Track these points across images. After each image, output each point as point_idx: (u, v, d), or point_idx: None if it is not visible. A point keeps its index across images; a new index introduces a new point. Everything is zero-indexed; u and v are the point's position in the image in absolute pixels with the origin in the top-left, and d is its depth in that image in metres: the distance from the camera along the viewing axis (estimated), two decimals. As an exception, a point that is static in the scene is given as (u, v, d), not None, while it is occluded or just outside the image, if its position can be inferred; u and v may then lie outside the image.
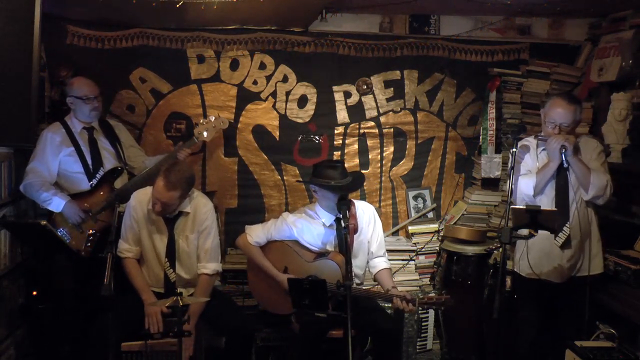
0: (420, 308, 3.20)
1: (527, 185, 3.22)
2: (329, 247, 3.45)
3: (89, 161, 3.56)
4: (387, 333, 3.26)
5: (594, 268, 3.22)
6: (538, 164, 3.29)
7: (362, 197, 4.40)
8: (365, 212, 3.52)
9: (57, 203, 3.40)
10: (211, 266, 3.34)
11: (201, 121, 3.88)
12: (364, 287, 3.50)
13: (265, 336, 3.86)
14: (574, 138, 3.16)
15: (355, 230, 3.41)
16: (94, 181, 3.55)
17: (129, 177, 3.73)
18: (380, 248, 3.53)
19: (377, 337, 3.35)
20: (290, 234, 3.47)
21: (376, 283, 3.60)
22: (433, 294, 3.24)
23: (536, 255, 3.26)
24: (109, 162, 3.63)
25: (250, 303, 3.99)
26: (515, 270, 3.43)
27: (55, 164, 3.51)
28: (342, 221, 3.25)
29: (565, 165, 3.10)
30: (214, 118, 3.86)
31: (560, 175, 3.20)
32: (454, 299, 3.12)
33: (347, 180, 3.37)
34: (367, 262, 3.53)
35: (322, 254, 3.43)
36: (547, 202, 3.25)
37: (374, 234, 3.51)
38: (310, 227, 3.46)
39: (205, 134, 3.82)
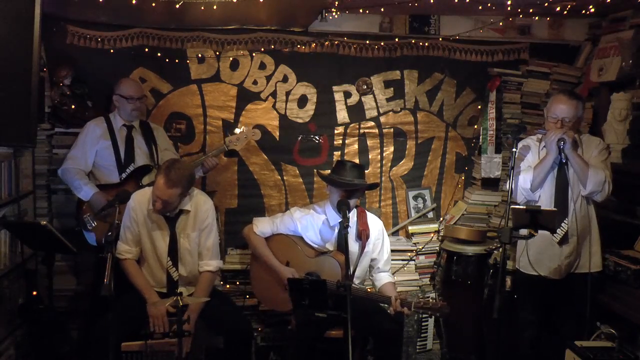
0: (416, 311, 3.20)
1: (525, 179, 3.24)
2: (329, 246, 3.46)
3: (122, 156, 3.73)
4: (388, 333, 3.27)
5: (594, 266, 3.23)
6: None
7: (362, 197, 4.39)
8: (375, 227, 3.54)
9: (86, 192, 3.60)
10: (214, 263, 3.36)
11: (235, 130, 3.90)
12: (364, 288, 3.51)
13: (265, 336, 3.86)
14: (573, 133, 3.17)
15: (367, 237, 3.45)
16: (124, 175, 3.69)
17: None
18: (387, 264, 3.56)
19: (378, 338, 3.35)
20: (295, 229, 3.50)
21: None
22: (430, 299, 3.26)
23: (535, 251, 3.27)
24: (141, 159, 3.77)
25: (250, 303, 4.00)
26: (516, 267, 3.44)
27: (92, 154, 3.70)
28: (342, 221, 3.26)
29: (563, 159, 3.10)
30: (246, 129, 3.88)
31: (560, 171, 3.21)
32: (454, 299, 3.12)
33: (350, 181, 3.38)
34: (370, 275, 3.56)
35: (324, 252, 3.44)
36: (546, 198, 3.26)
37: (381, 252, 3.53)
38: (314, 223, 3.49)
39: (236, 143, 3.85)
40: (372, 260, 3.52)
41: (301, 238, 3.51)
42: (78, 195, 3.64)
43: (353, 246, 3.41)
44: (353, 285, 3.22)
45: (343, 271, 3.29)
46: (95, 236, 3.60)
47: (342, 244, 3.37)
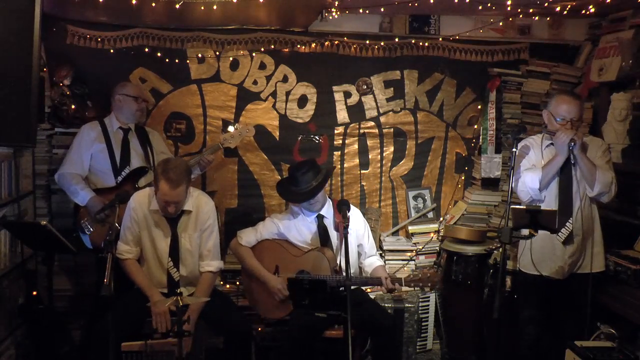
0: (407, 285, 3.25)
1: (533, 179, 3.22)
2: (313, 242, 3.52)
3: (117, 159, 3.70)
4: (385, 330, 3.28)
5: (596, 266, 3.22)
6: (543, 160, 3.28)
7: (362, 197, 4.40)
8: (354, 215, 3.58)
9: (82, 197, 3.58)
10: (215, 264, 3.36)
11: (228, 128, 3.90)
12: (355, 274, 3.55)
13: (265, 336, 3.86)
14: (582, 134, 3.17)
15: (344, 228, 3.46)
16: (120, 178, 3.66)
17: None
18: (372, 248, 3.64)
19: (375, 334, 3.37)
20: (278, 231, 3.56)
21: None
22: (418, 272, 3.31)
23: (538, 251, 3.27)
24: (137, 162, 3.74)
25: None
26: (517, 266, 3.44)
27: (88, 158, 3.69)
28: (343, 221, 3.27)
29: (572, 160, 3.10)
30: (240, 126, 3.88)
31: (565, 171, 3.20)
32: (453, 298, 3.12)
33: (308, 187, 3.42)
34: (361, 262, 3.61)
35: (310, 249, 3.50)
36: (550, 197, 3.25)
37: (364, 236, 3.60)
38: (297, 223, 3.56)
39: (231, 141, 3.85)
40: (358, 245, 3.59)
41: (286, 240, 3.56)
42: (75, 200, 3.61)
43: (334, 237, 3.52)
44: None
45: (331, 263, 3.37)
46: (94, 241, 3.57)
47: (324, 239, 3.48)
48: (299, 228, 3.55)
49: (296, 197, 3.49)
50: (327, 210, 3.56)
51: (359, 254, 3.61)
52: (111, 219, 3.49)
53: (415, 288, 3.49)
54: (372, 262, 3.58)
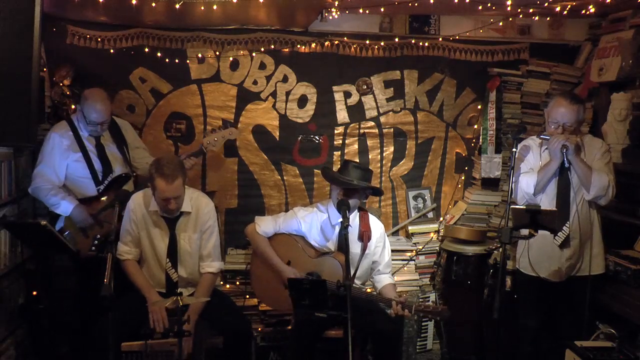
0: (417, 314, 3.20)
1: (528, 183, 3.23)
2: (331, 245, 3.47)
3: (97, 167, 3.54)
4: (386, 334, 3.27)
5: (595, 268, 3.22)
6: (541, 163, 3.29)
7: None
8: (377, 230, 3.53)
9: (65, 207, 3.40)
10: (215, 265, 3.37)
11: (210, 130, 3.83)
12: (364, 289, 3.50)
13: (265, 336, 3.86)
14: (576, 138, 3.16)
15: (369, 238, 3.45)
16: (101, 187, 3.54)
17: (134, 182, 3.69)
18: (387, 267, 3.56)
19: (376, 338, 3.35)
20: (298, 228, 3.50)
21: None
22: (430, 303, 3.25)
23: (536, 253, 3.27)
24: (118, 168, 3.61)
25: (250, 303, 4.00)
26: (516, 267, 3.44)
27: (63, 168, 3.50)
28: (342, 221, 3.26)
29: (567, 165, 3.10)
30: (222, 129, 3.79)
31: (562, 174, 3.20)
32: (454, 298, 3.11)
33: (358, 183, 3.36)
34: (372, 277, 3.55)
35: (325, 253, 3.45)
36: (548, 201, 3.25)
37: (382, 254, 3.53)
38: (318, 222, 3.49)
39: (214, 144, 3.75)
40: (373, 262, 3.52)
41: (303, 238, 3.52)
42: (57, 211, 3.43)
43: (355, 247, 3.41)
44: (354, 286, 3.22)
45: (344, 272, 3.30)
46: (79, 253, 3.34)
47: (342, 243, 3.37)
48: (319, 229, 3.49)
49: (335, 180, 3.39)
50: (352, 219, 3.44)
51: (372, 269, 3.53)
52: (94, 230, 3.45)
53: (423, 318, 3.41)
54: (383, 279, 3.50)
